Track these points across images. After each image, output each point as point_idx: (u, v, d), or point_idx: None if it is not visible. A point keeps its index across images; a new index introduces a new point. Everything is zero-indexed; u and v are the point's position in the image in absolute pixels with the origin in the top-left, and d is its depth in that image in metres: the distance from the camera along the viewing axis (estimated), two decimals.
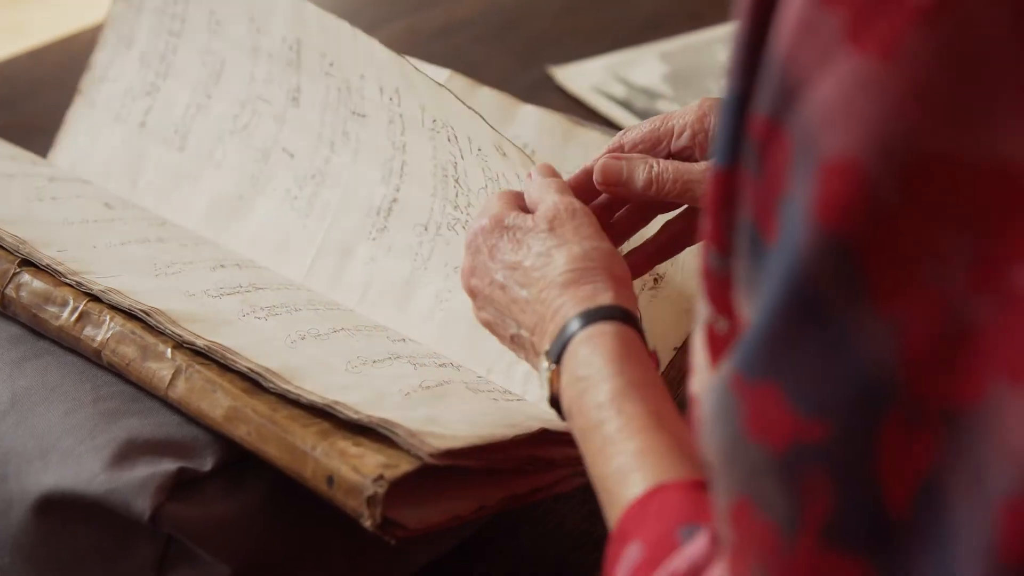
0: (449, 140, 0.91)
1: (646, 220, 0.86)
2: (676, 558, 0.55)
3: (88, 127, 1.07)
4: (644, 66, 1.37)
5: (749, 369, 0.46)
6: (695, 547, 0.54)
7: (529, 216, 0.78)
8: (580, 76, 1.35)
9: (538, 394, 0.86)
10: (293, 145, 0.99)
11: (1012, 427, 0.41)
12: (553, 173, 0.81)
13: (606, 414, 0.67)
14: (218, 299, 0.88)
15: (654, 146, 0.83)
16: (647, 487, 0.62)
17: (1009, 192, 0.41)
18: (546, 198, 0.78)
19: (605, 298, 0.73)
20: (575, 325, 0.71)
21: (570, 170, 0.85)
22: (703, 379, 0.58)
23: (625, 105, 1.31)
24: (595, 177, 0.82)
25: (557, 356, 0.72)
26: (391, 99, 0.94)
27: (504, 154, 0.87)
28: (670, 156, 0.83)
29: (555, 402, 0.72)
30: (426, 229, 0.93)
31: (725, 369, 0.48)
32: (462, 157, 0.90)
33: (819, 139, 0.43)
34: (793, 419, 0.45)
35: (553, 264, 0.74)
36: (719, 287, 0.53)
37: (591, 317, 0.71)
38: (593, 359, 0.70)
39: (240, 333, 0.83)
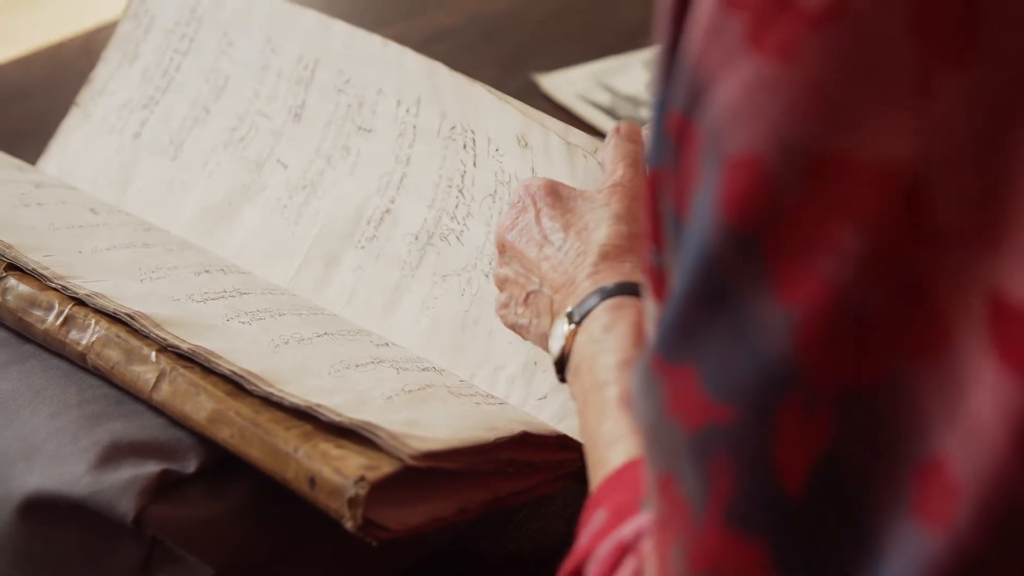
0: (465, 147, 0.92)
1: None
2: (627, 525, 0.57)
3: (82, 137, 1.08)
4: (629, 74, 1.38)
5: (667, 351, 0.48)
6: (646, 517, 0.56)
7: (586, 191, 0.81)
8: (565, 84, 1.36)
9: (520, 398, 0.87)
10: (288, 157, 1.00)
11: (917, 399, 0.44)
12: (637, 135, 0.84)
13: (613, 377, 0.70)
14: (202, 304, 0.89)
15: None
16: (629, 456, 0.64)
17: (894, 188, 0.43)
18: (617, 170, 0.81)
19: (634, 276, 0.75)
20: (605, 293, 0.74)
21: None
22: None
23: (610, 113, 1.32)
24: (619, 136, 0.85)
25: (580, 318, 0.74)
26: (408, 111, 0.96)
27: (526, 144, 0.89)
28: None
29: (560, 362, 0.74)
30: (416, 239, 0.94)
31: (648, 349, 0.49)
32: (474, 164, 0.92)
33: (724, 136, 0.45)
34: (705, 402, 0.47)
35: (598, 234, 0.77)
36: (661, 283, 0.54)
37: (623, 290, 0.74)
38: (616, 326, 0.72)
39: (224, 337, 0.84)
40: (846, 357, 0.44)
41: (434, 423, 0.78)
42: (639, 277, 0.73)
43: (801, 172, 0.44)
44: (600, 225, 0.78)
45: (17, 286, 0.87)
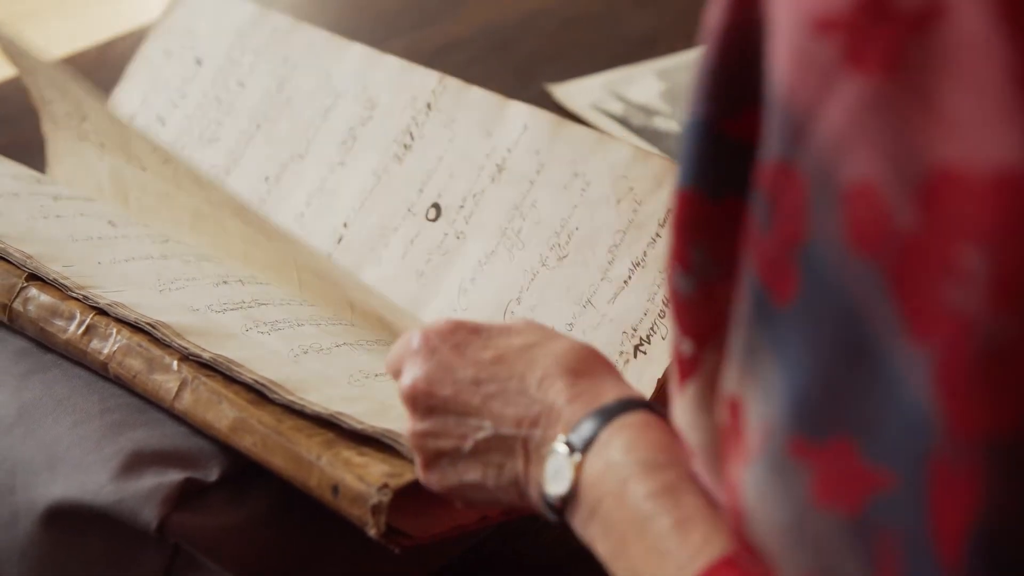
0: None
1: None
2: None
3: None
4: (641, 83, 1.38)
5: (810, 428, 0.44)
6: None
7: (494, 324, 0.71)
8: (578, 93, 1.36)
9: None
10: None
11: None
12: None
13: (659, 507, 0.59)
14: (221, 314, 0.89)
15: None
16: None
17: (1009, 199, 0.40)
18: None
19: (628, 391, 0.66)
20: (608, 413, 0.64)
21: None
22: (677, 405, 0.58)
23: (623, 122, 1.32)
24: None
25: (584, 446, 0.63)
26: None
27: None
28: None
29: (565, 499, 0.64)
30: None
31: (774, 440, 0.45)
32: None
33: (835, 168, 0.42)
34: (866, 472, 0.42)
35: (550, 352, 0.67)
36: (685, 308, 0.53)
37: (625, 407, 0.64)
38: (638, 447, 0.62)
39: (243, 347, 0.84)
40: (988, 400, 0.40)
41: None
42: (626, 390, 0.66)
43: (916, 192, 0.41)
44: (543, 344, 0.68)
45: (39, 296, 0.87)
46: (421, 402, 0.69)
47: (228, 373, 0.81)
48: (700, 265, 0.52)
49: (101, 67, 1.39)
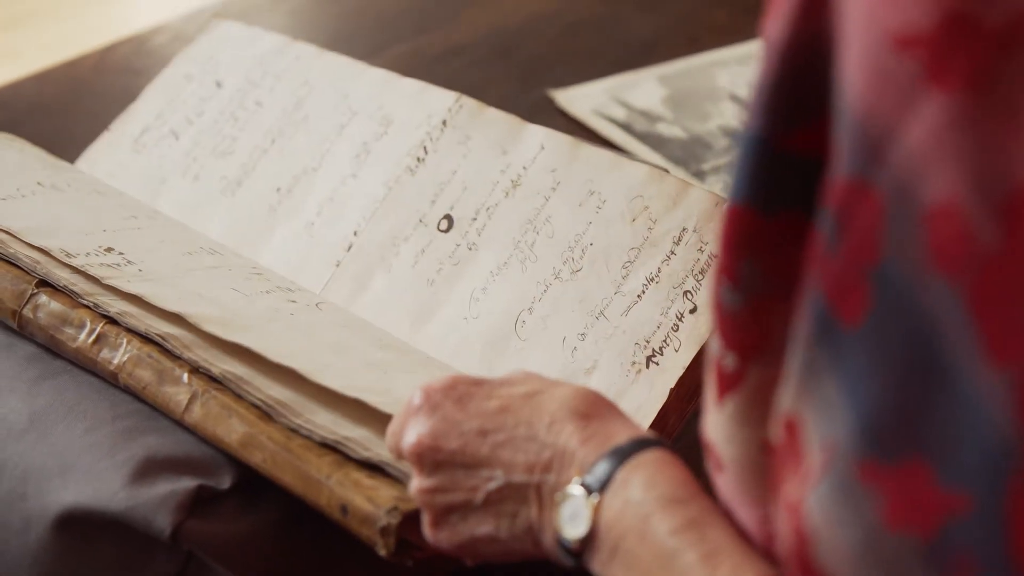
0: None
1: None
2: None
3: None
4: (643, 89, 1.39)
5: (883, 452, 0.43)
6: None
7: (490, 378, 0.70)
8: (581, 99, 1.37)
9: None
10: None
11: None
12: None
13: (683, 542, 0.58)
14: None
15: None
16: None
17: None
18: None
19: (638, 430, 0.65)
20: (623, 454, 0.63)
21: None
22: (712, 419, 0.58)
23: (625, 127, 1.32)
24: None
25: (601, 486, 0.62)
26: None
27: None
28: None
29: (583, 542, 0.63)
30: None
31: (840, 462, 0.44)
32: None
33: (916, 187, 0.41)
34: (941, 494, 0.42)
35: (555, 398, 0.67)
36: (730, 322, 0.53)
37: (639, 445, 0.63)
38: (657, 484, 0.61)
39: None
40: None
41: None
42: (636, 430, 0.65)
43: (999, 210, 0.40)
44: (545, 391, 0.68)
45: (49, 303, 0.87)
46: (427, 458, 0.68)
47: (236, 391, 0.80)
48: (749, 280, 0.52)
49: (100, 72, 1.39)
